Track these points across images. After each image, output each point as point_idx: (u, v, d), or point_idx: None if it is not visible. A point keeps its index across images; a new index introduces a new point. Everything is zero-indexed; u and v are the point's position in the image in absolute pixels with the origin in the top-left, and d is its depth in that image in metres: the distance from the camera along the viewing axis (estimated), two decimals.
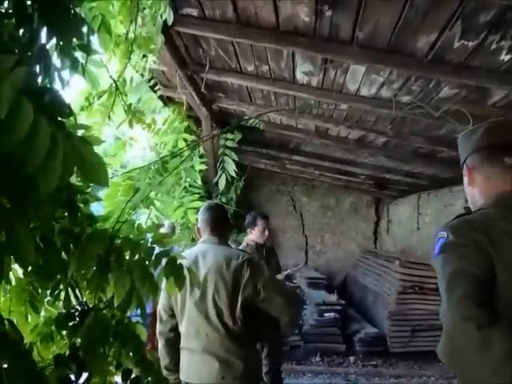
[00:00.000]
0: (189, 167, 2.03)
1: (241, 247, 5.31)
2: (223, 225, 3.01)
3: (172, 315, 2.87)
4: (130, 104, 2.12)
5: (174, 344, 2.88)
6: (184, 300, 2.77)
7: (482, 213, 1.67)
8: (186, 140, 2.24)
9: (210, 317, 2.69)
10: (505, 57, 3.03)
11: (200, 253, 2.84)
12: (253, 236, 5.26)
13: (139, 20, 2.10)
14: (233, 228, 5.11)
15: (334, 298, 8.25)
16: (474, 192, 1.80)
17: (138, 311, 1.40)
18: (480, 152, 1.75)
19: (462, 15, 2.69)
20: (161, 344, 2.92)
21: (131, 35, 2.10)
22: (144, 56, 2.33)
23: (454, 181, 7.09)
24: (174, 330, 2.88)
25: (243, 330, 2.73)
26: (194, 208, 2.55)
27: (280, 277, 4.95)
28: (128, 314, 1.40)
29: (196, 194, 2.26)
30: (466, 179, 1.83)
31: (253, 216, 5.29)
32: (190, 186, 2.30)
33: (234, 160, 2.32)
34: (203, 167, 2.05)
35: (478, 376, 1.34)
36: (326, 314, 7.68)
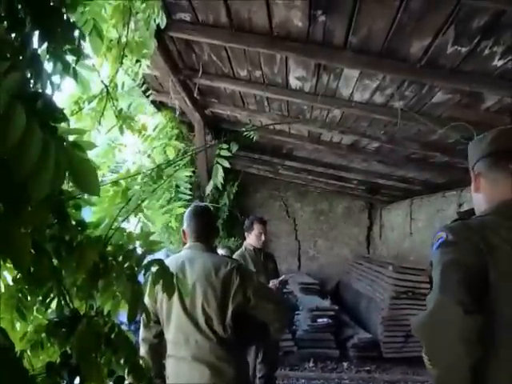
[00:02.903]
0: (181, 174, 2.01)
1: (239, 252, 5.33)
2: (210, 230, 2.97)
3: (156, 321, 2.82)
4: (121, 109, 2.11)
5: (157, 350, 2.83)
6: (170, 307, 2.73)
7: (480, 219, 1.72)
8: (174, 147, 2.24)
9: (199, 324, 2.66)
10: (498, 62, 3.04)
11: (187, 259, 2.79)
12: (250, 240, 5.30)
13: (132, 24, 2.10)
14: (218, 233, 5.11)
15: (327, 303, 8.24)
16: (480, 198, 1.82)
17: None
18: (486, 158, 1.77)
19: (455, 20, 2.70)
20: (144, 350, 2.84)
21: (124, 39, 2.09)
22: (137, 61, 2.32)
23: (447, 186, 7.13)
24: (158, 336, 2.83)
25: (233, 336, 2.71)
26: (178, 214, 2.54)
27: (275, 282, 4.97)
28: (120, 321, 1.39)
29: (184, 200, 2.26)
30: (472, 185, 1.85)
31: (250, 220, 5.36)
32: (178, 192, 2.29)
33: (223, 167, 2.33)
34: (190, 173, 2.05)
35: (448, 356, 1.49)
36: (319, 320, 7.67)
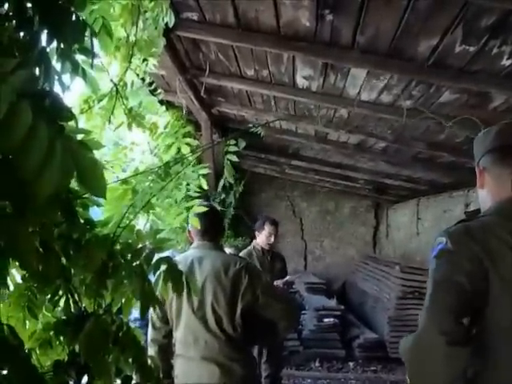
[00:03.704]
0: (191, 172, 2.01)
1: (246, 250, 5.32)
2: (217, 229, 2.97)
3: (165, 322, 2.81)
4: (131, 108, 2.10)
5: (166, 351, 2.82)
6: (180, 306, 2.72)
7: (482, 220, 1.65)
8: (188, 144, 2.22)
9: (209, 324, 2.66)
10: (506, 61, 3.02)
11: (195, 258, 2.78)
12: (259, 240, 5.28)
13: (140, 23, 2.09)
14: (225, 231, 5.09)
15: (333, 303, 8.22)
16: (484, 194, 1.76)
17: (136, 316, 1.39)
18: (492, 153, 1.70)
19: (463, 20, 2.69)
20: (153, 351, 2.80)
21: (132, 38, 2.09)
22: (145, 60, 2.32)
23: (454, 186, 7.10)
24: (167, 336, 2.82)
25: (242, 335, 2.71)
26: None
27: (279, 283, 4.96)
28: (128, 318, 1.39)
29: (197, 198, 2.26)
30: (477, 181, 1.79)
31: (262, 220, 5.34)
32: (191, 190, 2.29)
33: (232, 162, 2.33)
34: (206, 171, 2.04)
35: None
36: (325, 320, 7.66)
